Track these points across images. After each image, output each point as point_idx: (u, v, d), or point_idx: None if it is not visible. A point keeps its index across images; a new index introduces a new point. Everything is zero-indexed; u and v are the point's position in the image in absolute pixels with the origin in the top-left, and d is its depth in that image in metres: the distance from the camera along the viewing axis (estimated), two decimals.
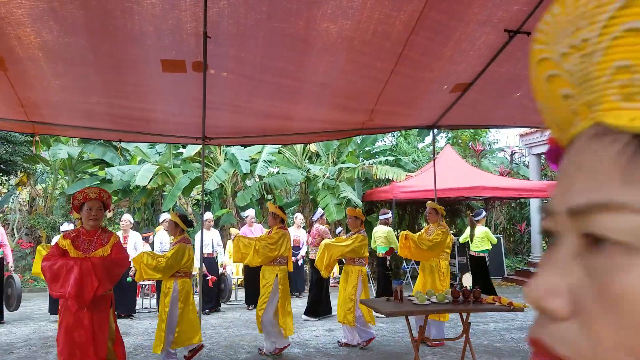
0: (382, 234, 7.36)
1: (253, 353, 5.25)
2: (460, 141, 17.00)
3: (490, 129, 16.79)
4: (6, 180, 12.89)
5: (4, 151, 11.08)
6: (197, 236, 7.12)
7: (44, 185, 14.37)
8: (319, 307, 7.04)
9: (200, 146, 6.34)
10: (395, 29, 3.74)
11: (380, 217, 7.64)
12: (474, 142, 15.48)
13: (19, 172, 12.51)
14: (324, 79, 4.50)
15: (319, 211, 7.53)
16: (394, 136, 16.07)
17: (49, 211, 13.29)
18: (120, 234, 7.45)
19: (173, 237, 4.99)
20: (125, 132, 5.77)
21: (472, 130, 16.44)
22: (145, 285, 8.70)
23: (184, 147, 12.41)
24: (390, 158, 12.87)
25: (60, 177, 14.21)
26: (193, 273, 5.30)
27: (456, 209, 12.50)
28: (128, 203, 13.64)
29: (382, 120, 5.73)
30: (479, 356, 5.04)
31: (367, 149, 13.87)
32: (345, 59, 4.18)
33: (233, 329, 6.52)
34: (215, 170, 11.95)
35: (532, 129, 11.04)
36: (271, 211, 5.35)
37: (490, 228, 12.69)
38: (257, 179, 12.65)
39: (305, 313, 7.10)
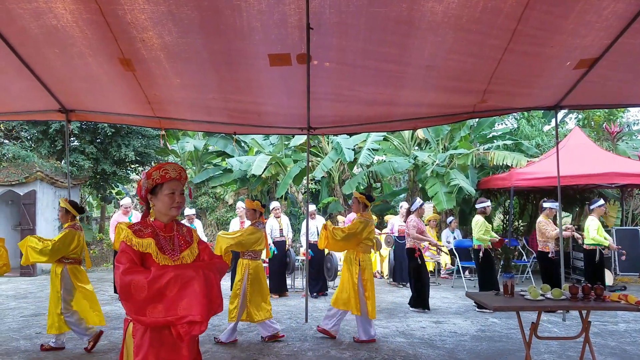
0: (473, 224, 6.90)
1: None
2: (592, 122, 15.26)
3: (628, 109, 14.84)
4: (141, 170, 14.53)
5: (139, 144, 12.50)
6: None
7: None
8: (418, 298, 6.86)
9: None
10: (507, 3, 3.46)
11: (477, 205, 7.15)
12: (608, 124, 13.78)
13: (152, 163, 14.04)
14: (429, 61, 4.31)
15: (418, 201, 7.06)
16: (515, 119, 14.95)
17: None
18: (237, 220, 8.00)
19: (64, 224, 4.95)
20: (239, 125, 6.14)
21: (606, 110, 14.65)
22: None
23: (292, 136, 12.88)
24: (509, 142, 11.98)
25: (188, 167, 15.62)
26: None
27: (587, 197, 11.28)
28: (247, 191, 14.57)
29: (496, 102, 5.35)
30: (604, 358, 4.56)
31: (483, 132, 13.01)
32: (453, 39, 3.97)
33: None
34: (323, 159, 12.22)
35: None
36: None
37: (627, 219, 11.26)
38: (365, 167, 12.67)
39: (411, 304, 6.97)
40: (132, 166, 13.59)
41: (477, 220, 6.82)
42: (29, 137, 12.18)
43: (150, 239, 2.26)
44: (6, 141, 11.86)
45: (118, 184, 14.35)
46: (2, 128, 11.93)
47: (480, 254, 6.78)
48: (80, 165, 11.55)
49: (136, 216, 7.88)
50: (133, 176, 14.70)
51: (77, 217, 4.97)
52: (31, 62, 4.57)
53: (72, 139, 11.95)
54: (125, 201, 8.03)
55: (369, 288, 5.20)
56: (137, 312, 2.10)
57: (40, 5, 3.55)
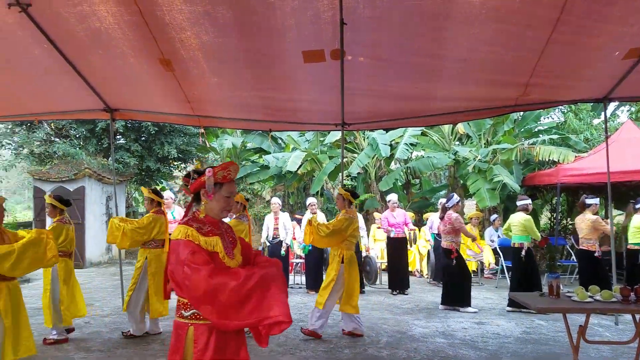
0: (517, 222, 6.61)
1: (395, 337, 5.25)
2: None
3: None
4: (184, 167, 14.94)
5: (181, 142, 12.86)
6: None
7: None
8: (455, 297, 6.70)
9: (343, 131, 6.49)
10: None
11: (518, 203, 6.86)
12: None
13: (194, 160, 14.44)
14: (466, 54, 4.20)
15: (455, 197, 6.91)
16: (562, 112, 14.33)
17: None
18: (271, 215, 8.09)
19: (53, 219, 5.01)
20: (274, 122, 6.19)
21: None
22: (298, 264, 9.30)
23: (328, 133, 12.87)
24: (556, 137, 11.49)
25: None
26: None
27: (639, 195, 10.69)
28: (283, 187, 14.71)
29: (539, 95, 5.16)
30: None
31: (528, 127, 12.53)
32: (491, 31, 3.85)
33: (376, 311, 6.60)
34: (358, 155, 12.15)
35: None
36: (146, 196, 5.43)
37: None
38: (403, 163, 12.49)
39: (442, 302, 6.83)
40: (175, 163, 14.02)
41: (526, 218, 6.57)
42: (77, 136, 12.75)
43: (216, 237, 2.16)
44: (57, 139, 12.46)
45: (162, 180, 14.84)
46: (53, 127, 12.54)
47: (523, 253, 6.54)
48: (126, 163, 11.99)
49: (178, 211, 7.93)
50: (176, 173, 15.19)
51: (65, 211, 5.12)
52: (77, 63, 4.76)
53: (117, 137, 12.42)
54: (166, 194, 7.87)
55: (349, 283, 5.19)
56: (221, 316, 1.99)
57: (84, 8, 3.69)
